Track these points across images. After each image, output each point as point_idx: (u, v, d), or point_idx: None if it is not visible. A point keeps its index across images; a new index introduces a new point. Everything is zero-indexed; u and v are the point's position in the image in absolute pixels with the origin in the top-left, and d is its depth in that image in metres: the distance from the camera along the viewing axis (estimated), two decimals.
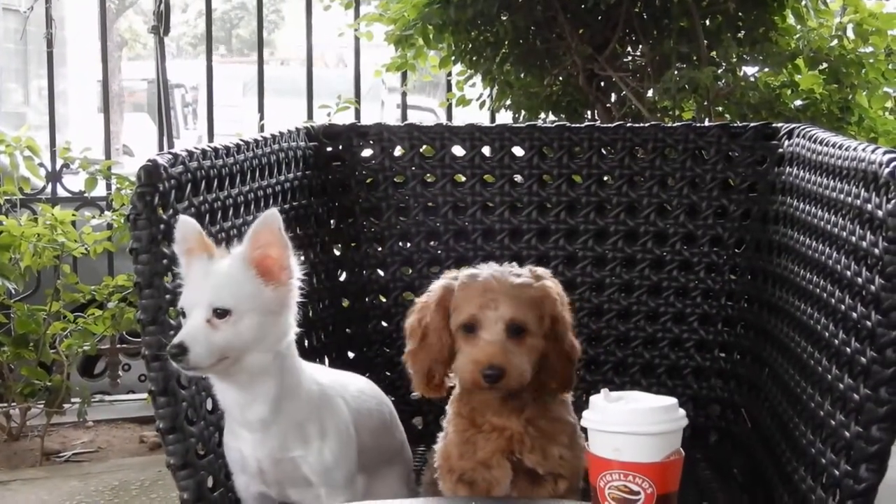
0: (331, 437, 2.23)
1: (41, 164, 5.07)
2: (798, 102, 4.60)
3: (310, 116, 5.50)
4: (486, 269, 2.21)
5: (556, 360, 2.18)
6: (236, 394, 2.16)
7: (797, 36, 4.63)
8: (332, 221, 3.15)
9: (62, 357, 4.78)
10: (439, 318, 2.21)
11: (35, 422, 4.92)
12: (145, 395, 5.00)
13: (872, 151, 2.15)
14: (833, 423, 2.11)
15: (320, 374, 2.34)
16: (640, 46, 4.83)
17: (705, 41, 4.53)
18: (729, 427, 3.04)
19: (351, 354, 3.16)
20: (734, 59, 4.59)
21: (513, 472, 2.20)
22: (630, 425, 1.57)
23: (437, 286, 2.26)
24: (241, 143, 2.63)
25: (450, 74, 5.55)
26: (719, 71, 4.50)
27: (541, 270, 2.26)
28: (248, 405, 2.16)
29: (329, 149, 3.17)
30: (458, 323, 2.17)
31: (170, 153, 2.29)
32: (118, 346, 5.39)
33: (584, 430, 1.66)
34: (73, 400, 4.93)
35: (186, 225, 2.11)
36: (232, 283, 2.07)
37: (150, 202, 2.17)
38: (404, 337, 3.08)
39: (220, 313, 2.05)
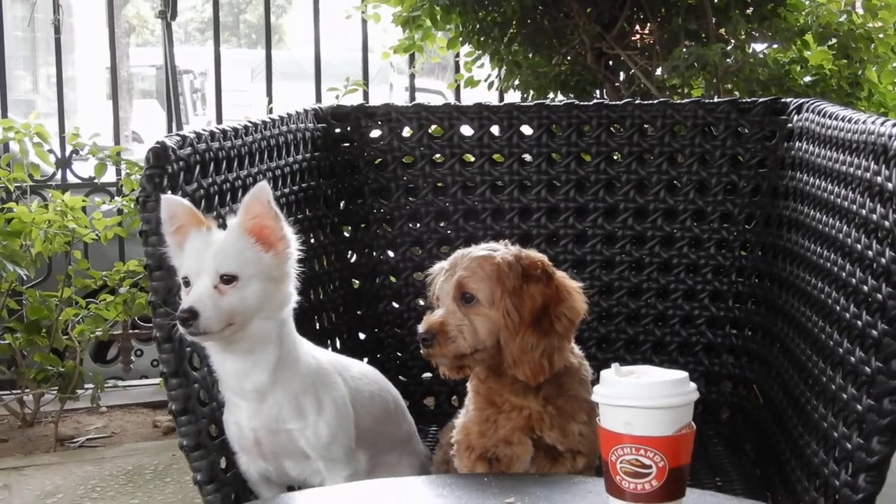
0: (327, 411, 2.25)
1: (51, 151, 5.07)
2: (807, 78, 4.58)
3: (318, 99, 5.49)
4: (471, 248, 2.27)
5: (503, 337, 2.17)
6: (236, 362, 2.18)
7: (806, 11, 4.61)
8: (341, 203, 3.15)
9: (75, 343, 4.79)
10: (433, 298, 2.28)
11: (49, 408, 4.93)
12: (158, 380, 5.03)
13: (882, 124, 2.14)
14: (845, 396, 2.11)
15: (320, 353, 2.36)
16: (648, 24, 4.82)
17: (713, 18, 4.52)
18: (741, 403, 3.04)
19: (362, 336, 3.17)
20: (743, 36, 4.58)
21: (533, 449, 2.21)
22: (641, 399, 1.57)
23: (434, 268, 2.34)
24: (249, 124, 2.63)
25: (458, 55, 5.55)
26: (728, 48, 4.48)
27: (529, 252, 2.28)
28: (247, 373, 2.17)
29: (337, 130, 3.17)
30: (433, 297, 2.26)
31: (178, 135, 2.29)
32: (130, 331, 5.40)
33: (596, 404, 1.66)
34: (86, 385, 4.93)
35: (173, 203, 2.12)
36: (236, 251, 2.10)
37: (159, 184, 2.17)
38: (414, 318, 3.11)
39: (227, 279, 2.07)
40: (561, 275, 2.25)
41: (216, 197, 2.40)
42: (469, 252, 2.23)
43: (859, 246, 2.15)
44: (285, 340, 2.21)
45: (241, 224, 2.12)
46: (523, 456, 2.21)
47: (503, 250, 2.23)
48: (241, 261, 2.10)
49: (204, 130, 2.40)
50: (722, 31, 4.59)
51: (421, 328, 2.18)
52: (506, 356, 2.16)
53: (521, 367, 2.15)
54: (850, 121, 2.36)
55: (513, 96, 5.07)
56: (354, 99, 4.98)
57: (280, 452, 2.26)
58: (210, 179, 2.38)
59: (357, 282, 3.18)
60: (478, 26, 4.83)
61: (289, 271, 2.18)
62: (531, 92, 4.90)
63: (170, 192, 2.18)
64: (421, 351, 2.20)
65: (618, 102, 3.18)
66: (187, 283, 2.10)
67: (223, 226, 2.20)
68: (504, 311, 2.16)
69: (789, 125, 2.91)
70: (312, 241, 2.94)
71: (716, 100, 3.16)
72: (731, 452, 2.85)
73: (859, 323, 2.09)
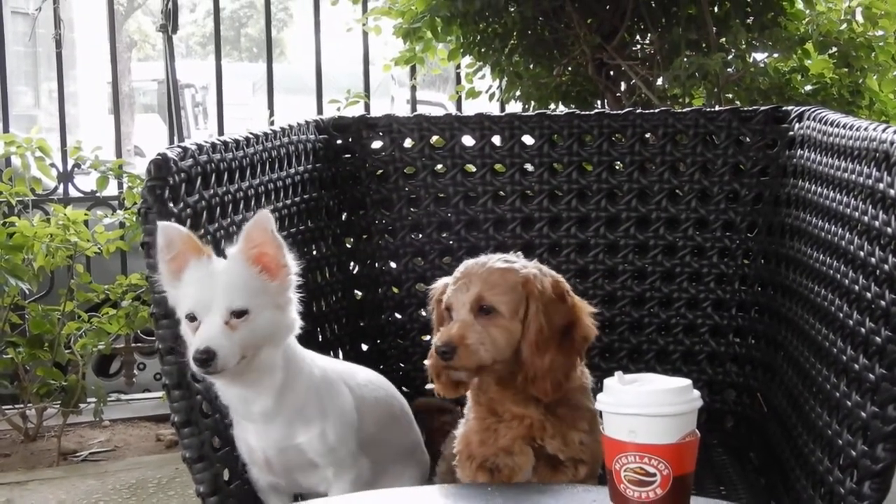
0: (332, 416, 2.24)
1: (52, 165, 5.08)
2: (808, 87, 4.59)
3: (319, 112, 5.50)
4: (482, 258, 2.24)
5: (528, 352, 2.15)
6: (240, 390, 2.17)
7: (806, 20, 4.62)
8: (342, 214, 3.15)
9: (77, 357, 4.79)
10: (437, 313, 2.26)
11: (51, 422, 4.93)
12: (161, 394, 5.04)
13: (883, 131, 2.14)
14: (849, 403, 2.10)
15: (324, 361, 2.35)
16: (649, 34, 4.82)
17: (714, 28, 4.52)
18: (745, 411, 3.03)
19: (364, 346, 3.16)
20: (743, 45, 4.58)
21: (534, 459, 2.20)
22: (645, 407, 1.57)
23: (437, 283, 2.31)
24: (250, 136, 2.63)
25: (458, 67, 5.55)
26: (729, 57, 4.49)
27: (549, 272, 2.26)
28: (253, 400, 2.16)
29: (339, 141, 3.17)
30: (441, 311, 2.23)
31: (179, 146, 2.29)
32: (133, 345, 5.40)
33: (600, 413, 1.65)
34: (88, 399, 4.93)
35: (171, 230, 2.07)
36: (243, 283, 2.07)
37: (160, 195, 2.16)
38: (417, 329, 3.09)
39: (238, 314, 2.05)
40: (575, 296, 2.25)
41: (218, 209, 2.40)
42: (486, 263, 2.20)
43: (862, 253, 2.15)
44: (289, 364, 2.19)
45: (243, 252, 2.09)
46: (524, 466, 2.20)
47: (521, 262, 2.22)
48: (250, 293, 2.07)
49: (205, 142, 2.40)
50: (723, 40, 4.58)
51: (439, 340, 2.14)
52: (527, 371, 2.15)
53: (542, 383, 2.14)
54: (851, 128, 2.36)
55: (514, 107, 5.07)
56: (356, 111, 4.98)
57: (291, 468, 2.26)
58: (212, 191, 2.38)
59: (359, 293, 3.18)
60: (478, 38, 4.83)
61: (291, 297, 2.16)
62: (532, 103, 4.90)
63: (171, 203, 2.18)
64: (427, 362, 2.18)
65: (619, 112, 3.18)
66: (192, 319, 2.06)
67: (220, 253, 2.17)
68: (538, 326, 2.14)
69: (791, 133, 2.91)
70: (314, 252, 2.94)
71: (717, 108, 3.16)
72: (736, 461, 2.84)
73: (863, 330, 2.08)
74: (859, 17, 4.64)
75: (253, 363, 2.11)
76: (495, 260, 2.21)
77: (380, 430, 2.42)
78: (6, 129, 5.27)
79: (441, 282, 2.28)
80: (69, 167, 5.32)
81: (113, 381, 5.67)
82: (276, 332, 2.13)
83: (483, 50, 4.87)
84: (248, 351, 2.07)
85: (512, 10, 4.59)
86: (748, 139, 3.04)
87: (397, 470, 2.47)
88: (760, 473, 2.78)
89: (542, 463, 2.21)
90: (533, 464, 2.20)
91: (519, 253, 2.31)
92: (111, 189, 5.16)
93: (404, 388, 3.13)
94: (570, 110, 4.32)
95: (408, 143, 3.19)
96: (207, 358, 2.00)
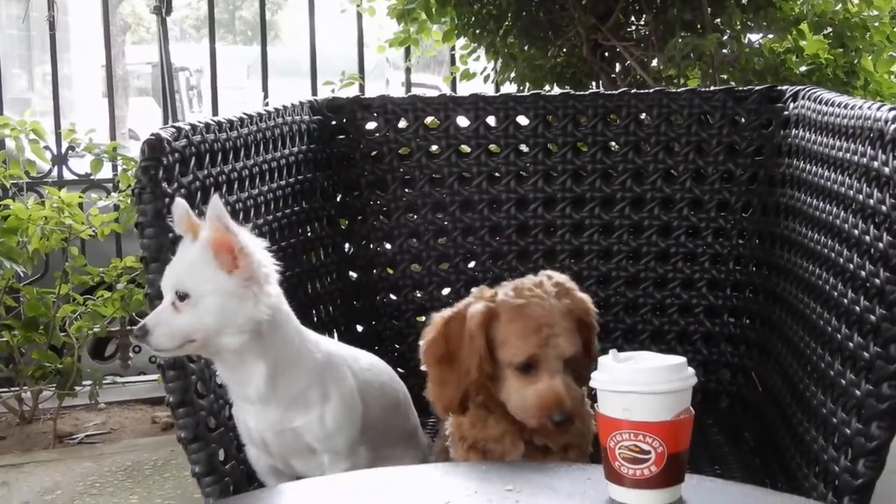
0: (333, 402, 2.22)
1: (47, 148, 5.07)
2: (803, 68, 4.58)
3: (314, 94, 5.48)
4: (519, 290, 2.11)
5: (586, 368, 2.04)
6: (231, 373, 2.17)
7: (801, 1, 4.61)
8: (337, 195, 3.15)
9: (72, 340, 4.78)
10: (483, 347, 2.09)
11: (47, 404, 4.93)
12: (156, 376, 5.04)
13: (878, 109, 2.14)
14: (843, 382, 2.10)
15: (328, 345, 2.33)
16: (644, 15, 4.82)
17: (709, 8, 4.51)
18: (740, 391, 3.03)
19: (360, 328, 3.16)
20: (738, 26, 4.57)
21: (525, 446, 2.19)
22: (639, 384, 1.56)
23: (474, 311, 2.11)
24: (244, 116, 2.62)
25: (453, 49, 5.54)
26: (724, 38, 4.48)
27: (561, 278, 2.18)
28: (247, 381, 2.15)
29: (333, 122, 3.16)
30: (511, 361, 2.07)
31: (173, 127, 2.28)
32: (128, 327, 5.40)
33: (594, 392, 1.65)
34: (84, 382, 4.93)
35: (179, 207, 2.08)
36: (190, 267, 2.06)
37: (154, 176, 2.16)
38: (412, 310, 3.09)
39: (181, 296, 2.04)
40: None
41: (212, 189, 2.39)
42: (548, 301, 2.09)
43: (856, 231, 2.15)
44: (280, 349, 2.16)
45: (206, 238, 2.06)
46: (514, 453, 2.18)
47: (552, 287, 2.13)
48: (195, 278, 2.05)
49: (199, 122, 2.39)
50: (717, 21, 4.58)
51: (558, 416, 2.03)
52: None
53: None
54: (846, 107, 2.36)
55: (509, 89, 5.07)
56: (350, 93, 4.97)
57: (287, 452, 2.25)
58: (206, 171, 2.38)
59: (354, 274, 3.18)
60: (473, 19, 4.82)
61: (254, 290, 2.08)
62: (527, 84, 4.90)
63: (165, 184, 2.18)
64: (550, 427, 2.06)
65: (614, 92, 3.18)
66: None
67: None
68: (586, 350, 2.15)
69: (786, 113, 2.90)
70: (309, 233, 2.94)
71: (712, 89, 3.16)
72: (731, 441, 2.84)
73: (857, 308, 2.08)
74: None
75: (217, 347, 2.08)
76: (547, 296, 2.10)
77: (383, 415, 2.41)
78: (0, 112, 5.26)
79: (477, 310, 2.11)
80: (63, 150, 5.32)
81: (108, 364, 5.67)
82: (226, 320, 2.07)
83: (478, 31, 4.86)
84: (196, 335, 2.05)
85: None
86: (743, 119, 3.04)
87: (397, 454, 2.46)
88: (755, 453, 2.79)
89: (532, 448, 2.20)
90: (522, 451, 2.19)
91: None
92: (105, 172, 5.14)
93: (399, 369, 3.12)
94: (565, 91, 4.31)
95: (402, 123, 3.19)
96: (141, 335, 2.02)
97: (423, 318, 3.14)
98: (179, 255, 2.08)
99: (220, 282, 2.06)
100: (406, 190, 3.19)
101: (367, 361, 2.44)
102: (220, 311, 2.06)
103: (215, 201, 2.04)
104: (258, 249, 2.10)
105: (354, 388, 2.29)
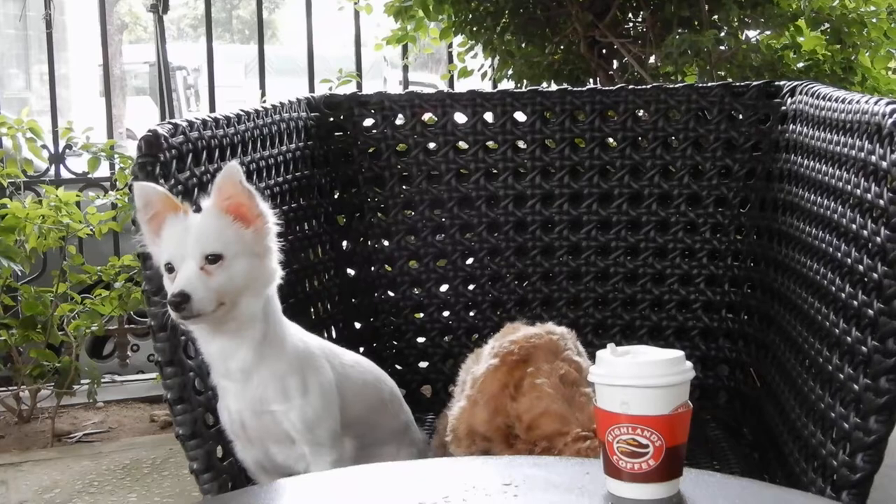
0: (312, 394, 2.24)
1: (44, 146, 5.07)
2: (801, 64, 4.58)
3: (311, 92, 5.48)
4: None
5: None
6: (223, 342, 2.17)
7: None
8: (335, 192, 3.15)
9: (70, 338, 4.78)
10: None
11: (45, 403, 4.93)
12: (154, 375, 5.03)
13: (875, 103, 2.14)
14: (842, 377, 2.10)
15: (309, 338, 2.36)
16: (641, 12, 4.82)
17: (706, 5, 4.51)
18: (738, 387, 3.03)
19: (357, 324, 3.16)
20: (735, 23, 4.57)
21: None
22: (637, 378, 1.56)
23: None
24: (241, 113, 2.62)
25: (450, 46, 5.54)
26: (721, 34, 4.48)
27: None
28: (233, 353, 2.17)
29: (331, 119, 3.16)
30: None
31: (170, 123, 2.28)
32: (126, 326, 5.40)
33: (592, 384, 1.65)
34: (82, 381, 4.93)
35: (147, 189, 2.10)
36: (217, 230, 2.09)
37: (151, 172, 2.16)
38: (410, 307, 3.08)
39: (213, 259, 2.07)
40: None
41: (209, 186, 2.38)
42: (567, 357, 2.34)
43: (854, 226, 2.15)
44: (270, 318, 2.21)
45: (216, 205, 2.11)
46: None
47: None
48: (224, 239, 2.09)
49: (196, 119, 2.39)
50: (715, 17, 4.58)
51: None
52: None
53: None
54: (843, 101, 2.36)
55: (506, 86, 5.07)
56: (348, 91, 4.97)
57: (265, 436, 2.25)
58: (203, 168, 2.37)
59: (352, 271, 3.18)
60: (470, 16, 4.83)
61: (270, 246, 2.17)
62: (525, 81, 4.90)
63: (162, 180, 2.17)
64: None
65: (611, 88, 3.18)
66: (171, 270, 2.09)
67: (198, 210, 2.18)
68: None
69: (783, 108, 2.90)
70: (307, 230, 2.93)
71: (709, 84, 3.15)
72: (729, 436, 2.84)
73: (855, 303, 2.08)
74: None
75: (233, 312, 2.12)
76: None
77: (367, 412, 2.42)
78: None
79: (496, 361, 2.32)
80: (61, 149, 5.31)
81: (106, 363, 5.67)
82: (254, 279, 2.14)
83: (475, 28, 4.86)
84: (226, 297, 2.08)
85: None
86: (740, 114, 3.04)
87: (391, 450, 2.47)
88: (754, 448, 2.79)
89: None
90: None
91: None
92: (103, 170, 5.14)
93: (398, 367, 3.14)
94: (563, 87, 4.31)
95: (400, 120, 3.19)
96: (181, 301, 2.01)
97: (421, 315, 3.14)
98: (188, 226, 2.09)
99: (247, 241, 2.12)
100: (404, 186, 3.19)
101: (351, 359, 2.46)
102: (249, 269, 2.13)
103: (234, 166, 2.10)
104: (269, 210, 2.17)
105: (332, 380, 2.30)
